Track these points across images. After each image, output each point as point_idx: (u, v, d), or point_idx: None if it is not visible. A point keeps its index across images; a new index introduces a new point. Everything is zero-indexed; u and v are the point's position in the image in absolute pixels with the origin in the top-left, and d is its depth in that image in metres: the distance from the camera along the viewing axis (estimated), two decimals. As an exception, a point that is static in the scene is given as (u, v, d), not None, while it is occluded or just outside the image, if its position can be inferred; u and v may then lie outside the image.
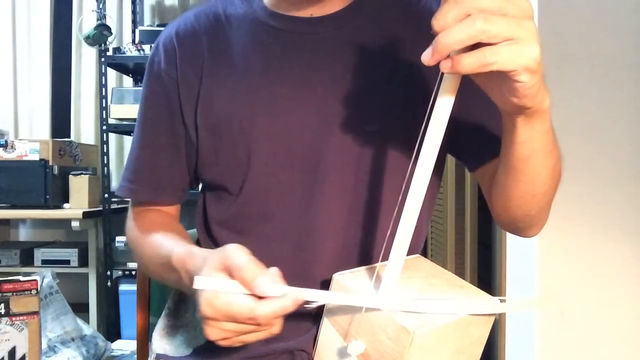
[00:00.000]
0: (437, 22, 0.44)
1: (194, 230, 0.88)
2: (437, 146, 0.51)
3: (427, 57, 0.45)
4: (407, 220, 0.54)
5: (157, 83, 0.79)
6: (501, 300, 0.61)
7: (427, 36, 0.79)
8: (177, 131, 0.79)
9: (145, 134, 0.82)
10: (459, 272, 1.72)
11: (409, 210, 0.53)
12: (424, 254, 0.77)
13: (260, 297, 0.52)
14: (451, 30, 0.43)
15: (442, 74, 0.48)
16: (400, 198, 0.55)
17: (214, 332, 0.54)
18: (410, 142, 0.72)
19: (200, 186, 0.86)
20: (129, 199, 0.87)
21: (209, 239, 0.82)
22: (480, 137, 0.73)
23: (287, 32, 0.75)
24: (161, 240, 0.75)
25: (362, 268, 0.67)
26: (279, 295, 0.51)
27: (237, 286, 0.52)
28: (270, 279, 0.52)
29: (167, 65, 0.78)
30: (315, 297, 0.54)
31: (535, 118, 0.53)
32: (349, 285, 0.63)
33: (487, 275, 1.72)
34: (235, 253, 0.54)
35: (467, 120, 0.73)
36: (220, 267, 0.54)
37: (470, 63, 0.44)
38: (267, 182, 0.74)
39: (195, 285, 0.52)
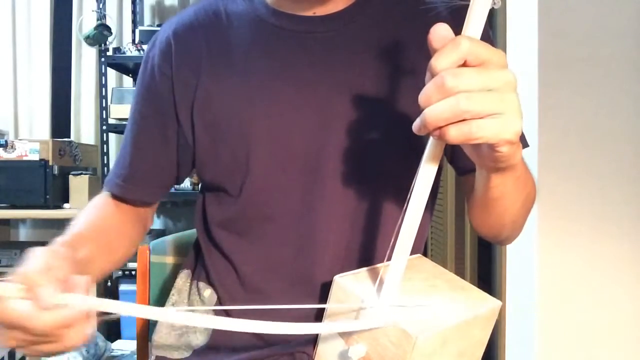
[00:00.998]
0: (423, 102, 0.46)
1: (194, 231, 0.88)
2: (441, 147, 0.51)
3: (416, 130, 0.48)
4: (410, 222, 0.54)
5: (150, 79, 0.78)
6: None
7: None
8: (169, 128, 0.78)
9: (138, 132, 0.81)
10: (459, 272, 1.72)
11: (412, 212, 0.53)
12: (424, 254, 0.77)
13: (45, 307, 0.48)
14: (437, 107, 0.45)
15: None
16: (403, 200, 0.55)
17: (2, 339, 0.50)
18: (413, 142, 0.72)
19: (200, 186, 0.86)
20: None
21: (209, 240, 0.81)
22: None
23: (289, 30, 0.74)
24: (75, 228, 0.72)
25: (364, 269, 0.67)
26: (61, 304, 0.48)
27: (21, 292, 0.48)
28: (54, 289, 0.48)
29: (161, 61, 0.77)
30: (111, 308, 0.49)
31: (507, 171, 0.56)
32: (350, 288, 0.62)
33: (487, 275, 1.72)
34: (32, 259, 0.51)
35: None
36: (18, 271, 0.51)
37: (457, 135, 0.45)
38: (267, 183, 0.73)
39: None
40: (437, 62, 0.44)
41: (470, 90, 0.44)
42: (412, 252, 0.72)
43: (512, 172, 0.57)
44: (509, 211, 0.67)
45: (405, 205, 0.53)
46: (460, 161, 0.79)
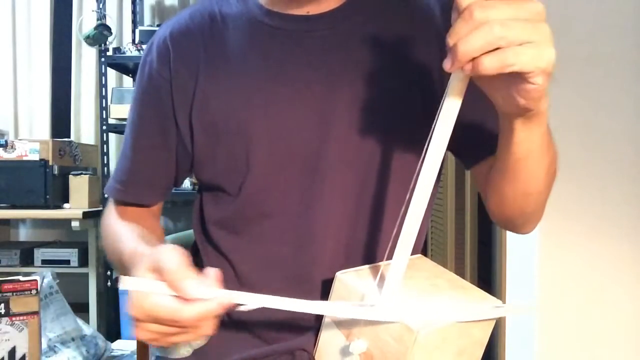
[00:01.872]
0: (451, 38, 0.44)
1: (191, 231, 0.88)
2: (444, 145, 0.51)
3: (448, 66, 0.46)
4: (412, 219, 0.54)
5: (149, 83, 0.79)
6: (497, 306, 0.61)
7: (424, 33, 0.78)
8: (169, 132, 0.78)
9: (137, 136, 0.81)
10: (459, 272, 1.72)
11: (414, 209, 0.53)
12: (424, 253, 0.77)
13: (188, 300, 0.51)
14: (469, 37, 0.43)
15: (450, 75, 0.48)
16: (403, 197, 0.55)
17: (142, 333, 0.53)
18: (410, 140, 0.72)
19: (197, 186, 0.86)
20: None
21: (206, 240, 0.81)
22: (477, 135, 0.73)
23: (283, 30, 0.75)
24: (123, 233, 0.75)
25: (366, 267, 0.67)
26: (204, 297, 0.51)
27: (163, 287, 0.51)
28: (196, 282, 0.51)
29: (159, 65, 0.77)
30: (246, 300, 0.53)
31: (533, 120, 0.53)
32: (352, 284, 0.63)
33: (487, 275, 1.72)
34: (166, 255, 0.53)
35: (464, 118, 0.73)
36: (150, 268, 0.53)
37: (492, 64, 0.44)
38: (266, 182, 0.74)
39: (121, 286, 0.52)
40: None
41: (501, 19, 0.43)
42: (413, 252, 0.72)
43: (538, 123, 0.54)
44: (535, 176, 0.63)
45: (409, 193, 0.53)
46: (469, 149, 0.76)
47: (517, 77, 0.46)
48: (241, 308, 0.53)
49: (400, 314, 0.56)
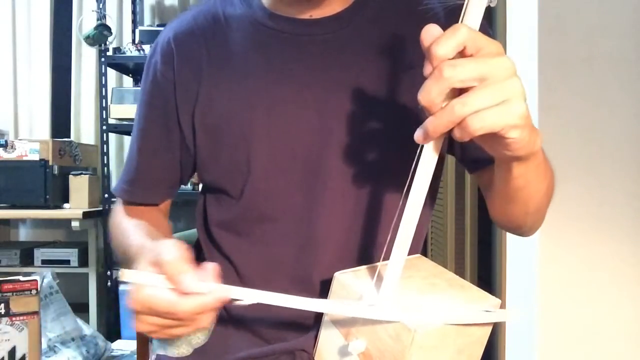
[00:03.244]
0: (422, 98, 0.46)
1: (194, 231, 0.89)
2: (439, 142, 0.51)
3: (420, 139, 0.48)
4: (409, 220, 0.54)
5: (154, 85, 0.79)
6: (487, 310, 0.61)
7: None
8: (173, 133, 0.79)
9: (142, 137, 0.82)
10: (459, 272, 1.72)
11: (410, 209, 0.53)
12: (424, 254, 0.78)
13: (185, 293, 0.52)
14: (435, 118, 0.45)
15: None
16: (401, 199, 0.55)
17: (140, 325, 0.55)
18: (412, 143, 0.72)
19: (200, 186, 0.87)
20: None
21: (209, 240, 0.82)
22: (477, 144, 0.73)
23: (287, 33, 0.75)
24: (131, 229, 0.76)
25: (364, 267, 0.67)
26: (202, 291, 0.52)
27: (161, 281, 0.52)
28: (194, 276, 0.52)
29: (163, 66, 0.78)
30: (243, 295, 0.54)
31: (528, 159, 0.55)
32: (350, 284, 0.63)
33: (487, 275, 1.72)
34: (166, 248, 0.54)
35: None
36: (151, 261, 0.54)
37: (461, 134, 0.45)
38: (268, 185, 0.74)
39: (122, 278, 0.53)
40: (436, 48, 0.44)
41: (467, 81, 0.44)
42: (412, 252, 0.72)
43: (534, 160, 0.55)
44: (534, 199, 0.65)
45: (404, 194, 0.53)
46: (471, 156, 0.77)
47: (494, 135, 0.47)
48: (238, 303, 0.54)
49: (398, 313, 0.56)
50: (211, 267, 0.55)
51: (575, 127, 1.34)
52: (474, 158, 0.76)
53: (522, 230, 0.76)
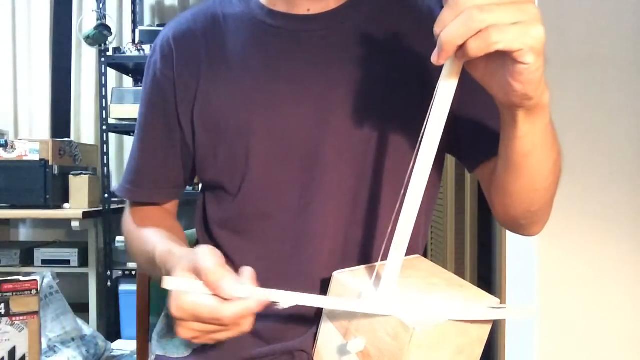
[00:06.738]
0: (437, 27, 0.45)
1: (194, 231, 0.89)
2: (438, 135, 0.51)
3: (435, 59, 0.46)
4: (407, 217, 0.54)
5: (155, 85, 0.80)
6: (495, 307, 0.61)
7: (425, 31, 0.78)
8: (174, 131, 0.80)
9: (144, 136, 0.83)
10: (459, 272, 1.72)
11: (409, 207, 0.54)
12: (424, 254, 0.78)
13: (226, 299, 0.53)
14: (450, 26, 0.44)
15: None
16: (400, 195, 0.55)
17: (184, 332, 0.55)
18: (410, 138, 0.72)
19: (200, 186, 0.87)
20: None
21: (209, 239, 0.82)
22: (479, 136, 0.73)
23: (284, 30, 0.75)
24: (149, 235, 0.76)
25: (362, 267, 0.67)
26: (243, 296, 0.53)
27: (202, 287, 0.53)
28: (234, 281, 0.53)
29: (163, 66, 0.79)
30: (282, 298, 0.54)
31: (535, 112, 0.53)
32: (349, 283, 0.63)
33: (487, 275, 1.72)
34: (204, 255, 0.55)
35: (465, 120, 0.73)
36: (189, 268, 0.55)
37: (477, 45, 0.44)
38: (266, 181, 0.74)
39: (164, 285, 0.54)
40: None
41: (481, 4, 0.43)
42: (411, 253, 0.72)
43: (541, 116, 0.54)
44: (541, 171, 0.62)
45: (404, 187, 0.53)
46: (470, 152, 0.76)
47: (508, 60, 0.45)
48: (277, 306, 0.54)
49: (397, 310, 0.56)
50: (249, 272, 0.55)
51: (575, 127, 1.34)
52: (474, 152, 0.75)
53: (527, 219, 0.71)
